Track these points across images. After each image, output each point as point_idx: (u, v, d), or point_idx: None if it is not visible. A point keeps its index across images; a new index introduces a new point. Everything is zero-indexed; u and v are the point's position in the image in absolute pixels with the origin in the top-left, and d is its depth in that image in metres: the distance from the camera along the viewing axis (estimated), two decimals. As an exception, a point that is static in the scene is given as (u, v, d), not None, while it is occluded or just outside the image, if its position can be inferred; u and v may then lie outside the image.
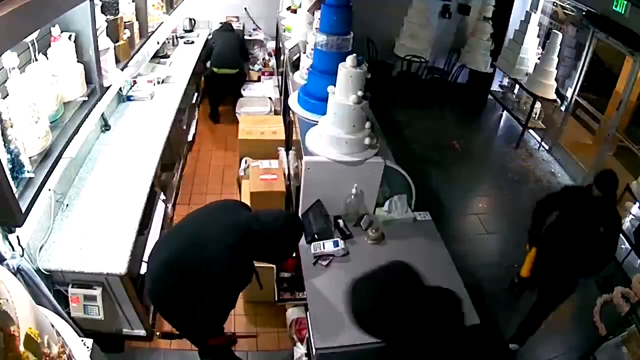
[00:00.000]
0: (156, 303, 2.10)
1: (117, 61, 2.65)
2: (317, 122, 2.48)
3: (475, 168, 5.09)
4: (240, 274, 1.84)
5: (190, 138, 4.68)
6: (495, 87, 6.68)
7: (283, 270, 2.32)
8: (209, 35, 5.42)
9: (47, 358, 0.86)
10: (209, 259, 1.75)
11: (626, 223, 3.76)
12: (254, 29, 5.96)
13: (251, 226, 1.81)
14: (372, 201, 2.51)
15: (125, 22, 2.81)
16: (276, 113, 4.68)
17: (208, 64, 4.92)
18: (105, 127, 3.17)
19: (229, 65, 4.75)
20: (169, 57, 4.67)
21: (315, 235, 2.29)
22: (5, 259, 1.76)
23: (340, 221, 2.44)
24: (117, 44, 2.64)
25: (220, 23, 5.28)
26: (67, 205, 2.43)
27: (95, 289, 2.13)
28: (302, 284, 2.15)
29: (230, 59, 4.76)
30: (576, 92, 5.03)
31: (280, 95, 4.83)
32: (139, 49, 3.14)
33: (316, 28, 2.88)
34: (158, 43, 3.97)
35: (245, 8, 5.77)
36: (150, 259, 1.96)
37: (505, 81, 6.53)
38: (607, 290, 3.28)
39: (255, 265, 1.94)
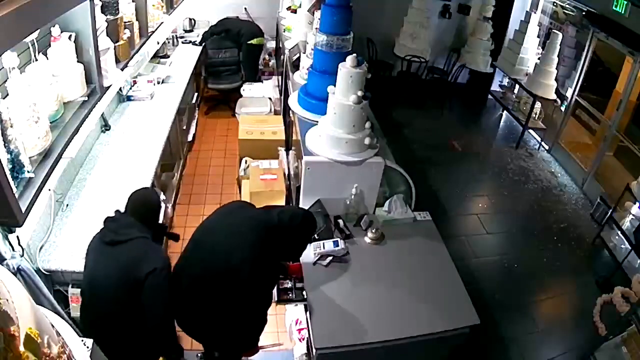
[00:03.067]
0: (189, 322, 1.94)
1: (117, 61, 2.65)
2: (317, 122, 2.48)
3: (475, 168, 5.10)
4: (267, 270, 1.81)
5: (190, 138, 4.68)
6: (495, 87, 6.67)
7: (290, 276, 2.31)
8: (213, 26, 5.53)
9: (47, 358, 0.86)
10: (234, 263, 1.72)
11: (626, 223, 3.76)
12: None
13: (269, 222, 1.81)
14: (372, 201, 2.51)
15: (125, 22, 2.81)
16: (276, 113, 4.68)
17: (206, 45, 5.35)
18: (105, 127, 3.17)
19: (260, 35, 5.41)
20: (169, 57, 4.66)
21: (316, 235, 2.29)
22: (5, 259, 1.76)
23: (340, 221, 2.44)
24: (117, 44, 2.64)
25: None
26: (67, 205, 2.43)
27: (95, 289, 2.13)
28: (302, 284, 2.15)
29: (257, 33, 5.38)
30: (576, 92, 5.03)
31: (280, 95, 4.83)
32: (139, 49, 3.14)
33: (316, 28, 2.89)
34: (158, 43, 3.97)
35: (245, 8, 5.77)
36: (176, 277, 1.84)
37: (505, 81, 6.53)
38: (607, 290, 3.28)
39: None
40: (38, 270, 2.01)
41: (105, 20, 2.44)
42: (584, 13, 4.80)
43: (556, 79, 5.28)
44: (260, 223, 1.81)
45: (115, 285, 1.67)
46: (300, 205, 2.49)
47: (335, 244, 2.24)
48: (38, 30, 1.83)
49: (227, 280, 1.74)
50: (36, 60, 1.94)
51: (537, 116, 5.63)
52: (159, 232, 2.02)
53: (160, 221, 2.13)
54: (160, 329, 1.76)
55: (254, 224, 1.81)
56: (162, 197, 3.13)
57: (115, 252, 1.70)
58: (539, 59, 5.59)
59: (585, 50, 4.86)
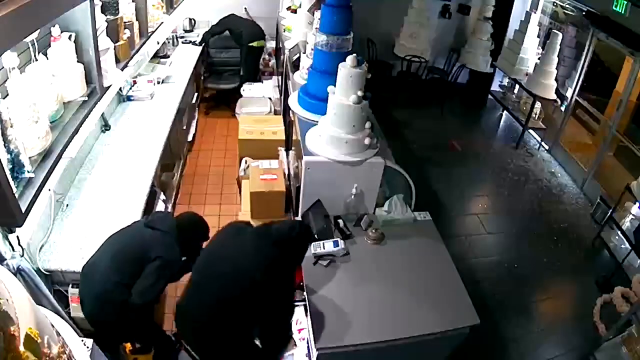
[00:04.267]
0: (204, 347, 1.91)
1: (117, 61, 2.65)
2: (317, 122, 2.48)
3: (475, 168, 5.10)
4: (281, 284, 1.79)
5: (190, 138, 4.68)
6: (495, 87, 6.67)
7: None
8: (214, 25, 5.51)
9: (47, 358, 0.86)
10: (245, 283, 1.71)
11: (626, 223, 3.76)
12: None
13: (271, 238, 1.80)
14: (372, 201, 2.51)
15: (125, 22, 2.80)
16: (276, 113, 4.68)
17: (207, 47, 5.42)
18: (105, 127, 3.17)
19: (259, 38, 5.39)
20: (169, 57, 4.67)
21: (315, 235, 2.29)
22: (5, 259, 1.76)
23: (340, 221, 2.44)
24: (117, 44, 2.64)
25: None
26: (67, 205, 2.43)
27: (95, 289, 2.13)
28: (302, 284, 2.15)
29: (260, 34, 5.40)
30: (576, 92, 5.03)
31: (280, 95, 4.83)
32: (139, 49, 3.14)
33: (316, 28, 2.88)
34: (158, 43, 3.97)
35: (245, 8, 5.77)
36: (187, 304, 1.85)
37: (505, 81, 6.53)
38: (607, 290, 3.28)
39: None
40: (38, 270, 2.01)
41: (105, 20, 2.44)
42: (584, 13, 4.80)
43: (556, 79, 5.28)
44: (262, 241, 1.80)
45: (127, 253, 1.89)
46: (300, 205, 2.49)
47: (335, 244, 2.24)
48: (38, 30, 1.83)
49: (245, 304, 1.72)
50: (36, 60, 1.94)
51: (537, 116, 5.63)
52: (190, 254, 2.09)
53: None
54: (139, 309, 1.86)
55: (257, 244, 1.80)
56: (162, 197, 3.13)
57: (145, 231, 1.96)
58: (539, 59, 5.59)
59: (585, 50, 4.86)
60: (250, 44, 5.23)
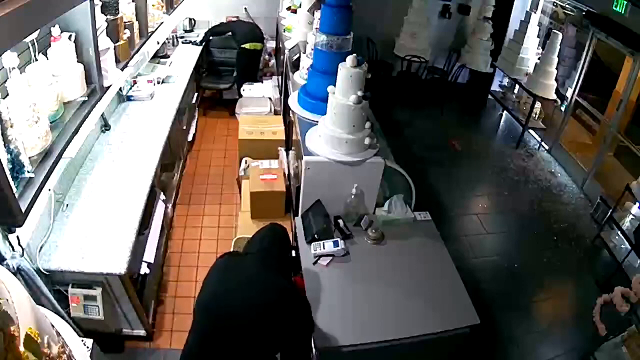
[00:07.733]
0: None
1: (117, 61, 2.65)
2: (317, 122, 2.49)
3: (475, 168, 5.10)
4: (294, 299, 1.65)
5: (190, 138, 4.68)
6: (495, 87, 6.67)
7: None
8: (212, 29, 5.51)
9: (47, 358, 0.86)
10: (264, 314, 1.55)
11: (626, 223, 3.76)
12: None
13: (256, 262, 1.65)
14: (372, 201, 2.52)
15: (125, 22, 2.81)
16: (276, 113, 4.68)
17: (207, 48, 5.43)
18: (105, 127, 3.17)
19: (257, 40, 5.35)
20: (169, 57, 4.67)
21: (315, 235, 2.29)
22: (5, 259, 1.76)
23: (340, 221, 2.44)
24: (117, 44, 2.64)
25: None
26: (67, 205, 2.43)
27: (95, 289, 2.13)
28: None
29: (256, 36, 5.35)
30: (576, 92, 5.02)
31: (280, 95, 4.83)
32: (139, 49, 3.14)
33: (316, 28, 2.89)
34: (158, 43, 3.97)
35: (245, 8, 5.78)
36: (199, 351, 1.61)
37: (505, 81, 6.53)
38: (607, 290, 3.28)
39: None
40: (38, 270, 2.01)
41: (105, 20, 2.44)
42: (584, 13, 4.80)
43: (556, 79, 5.28)
44: (252, 268, 1.64)
45: None
46: (300, 205, 2.49)
47: (335, 244, 2.24)
48: (38, 30, 1.84)
49: (267, 335, 1.58)
50: (36, 60, 1.94)
51: (537, 116, 5.63)
52: None
53: None
54: None
55: (254, 279, 1.62)
56: (162, 197, 3.13)
57: None
58: (539, 59, 5.58)
59: (585, 50, 4.86)
60: (243, 46, 5.22)
